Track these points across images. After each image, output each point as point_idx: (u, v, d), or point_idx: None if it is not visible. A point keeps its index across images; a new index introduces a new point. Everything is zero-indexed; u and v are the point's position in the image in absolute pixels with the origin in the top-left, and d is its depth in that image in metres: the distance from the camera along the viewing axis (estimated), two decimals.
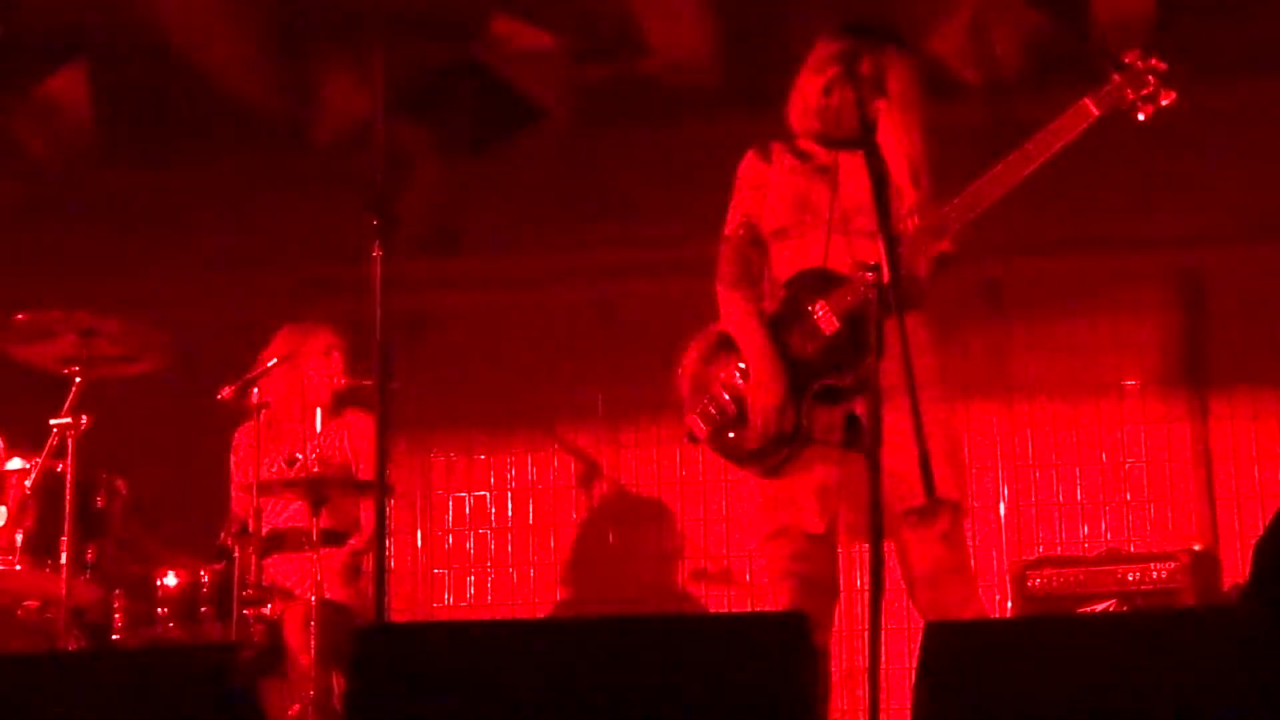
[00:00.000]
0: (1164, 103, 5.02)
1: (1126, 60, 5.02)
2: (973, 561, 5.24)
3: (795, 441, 5.03)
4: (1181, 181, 7.89)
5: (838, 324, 4.98)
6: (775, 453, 5.06)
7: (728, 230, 5.30)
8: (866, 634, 4.32)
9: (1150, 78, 5.00)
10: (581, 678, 3.60)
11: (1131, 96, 5.00)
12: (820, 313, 5.04)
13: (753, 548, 5.33)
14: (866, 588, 4.34)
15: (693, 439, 5.23)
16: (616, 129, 8.34)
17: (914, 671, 3.54)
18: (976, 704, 3.44)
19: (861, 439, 4.77)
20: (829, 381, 5.01)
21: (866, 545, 4.67)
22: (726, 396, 5.14)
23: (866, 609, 4.37)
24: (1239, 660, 3.39)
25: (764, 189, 5.23)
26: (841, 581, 5.19)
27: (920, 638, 3.57)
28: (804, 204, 5.13)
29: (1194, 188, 7.91)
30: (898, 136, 4.99)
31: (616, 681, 3.57)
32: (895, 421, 4.52)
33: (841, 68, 5.06)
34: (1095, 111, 4.95)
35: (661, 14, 7.56)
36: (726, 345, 5.22)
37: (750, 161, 5.31)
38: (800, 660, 3.59)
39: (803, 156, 5.20)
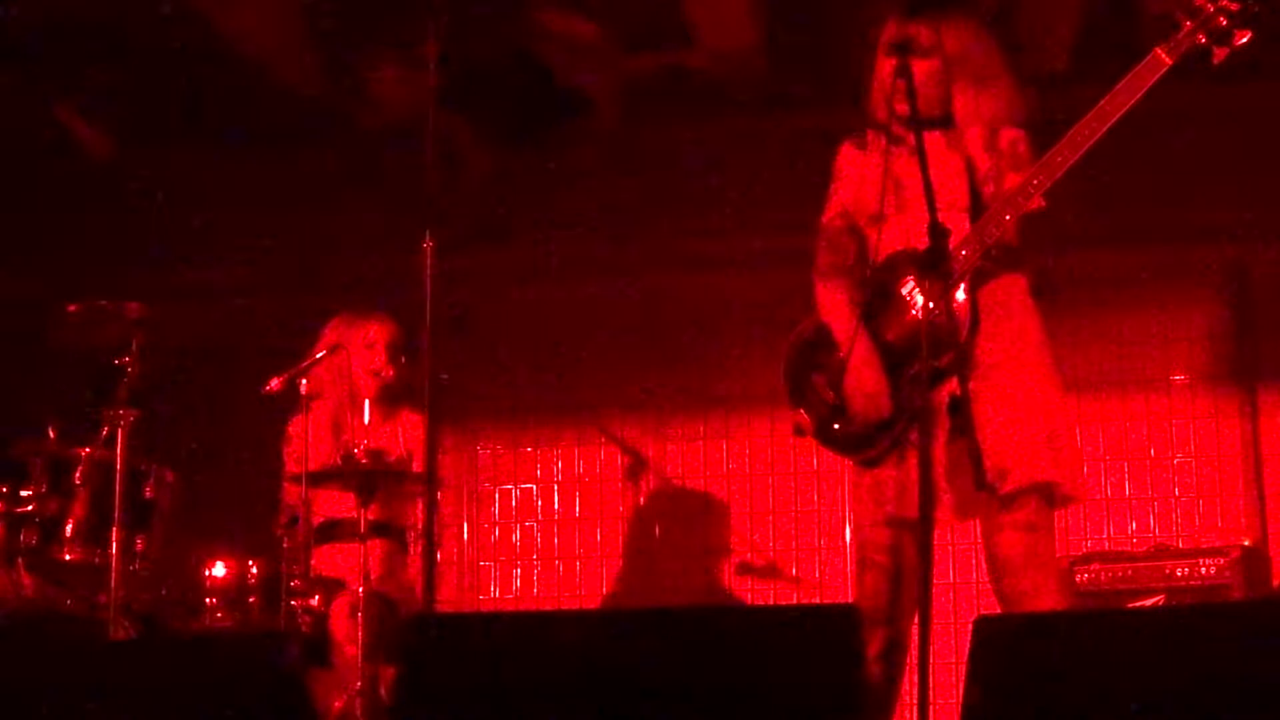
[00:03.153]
0: (1241, 41, 4.83)
1: (1196, 3, 4.86)
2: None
3: (897, 427, 5.00)
4: (1229, 174, 7.85)
5: (929, 304, 4.82)
6: (878, 441, 5.03)
7: (824, 219, 5.30)
8: (916, 628, 4.32)
9: (1222, 18, 4.83)
10: (628, 669, 3.59)
11: (1204, 40, 4.82)
12: (910, 294, 5.01)
13: (853, 536, 5.28)
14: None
15: (799, 432, 5.23)
16: (663, 121, 8.34)
17: (964, 666, 3.53)
18: (1026, 697, 3.43)
19: (967, 419, 4.74)
20: (925, 363, 4.96)
21: (972, 523, 4.68)
22: (827, 387, 5.14)
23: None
24: None
25: (859, 178, 5.21)
26: None
27: (970, 631, 3.57)
28: (897, 186, 5.09)
29: (1241, 181, 7.86)
30: (965, 107, 4.95)
31: (663, 673, 3.57)
32: (991, 401, 4.49)
33: (903, 48, 5.05)
34: (1168, 60, 4.82)
35: (708, 5, 7.54)
36: (825, 337, 5.20)
37: (847, 152, 5.30)
38: (849, 654, 3.58)
39: (896, 140, 5.13)
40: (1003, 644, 3.52)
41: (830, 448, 5.21)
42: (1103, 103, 4.88)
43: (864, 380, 5.00)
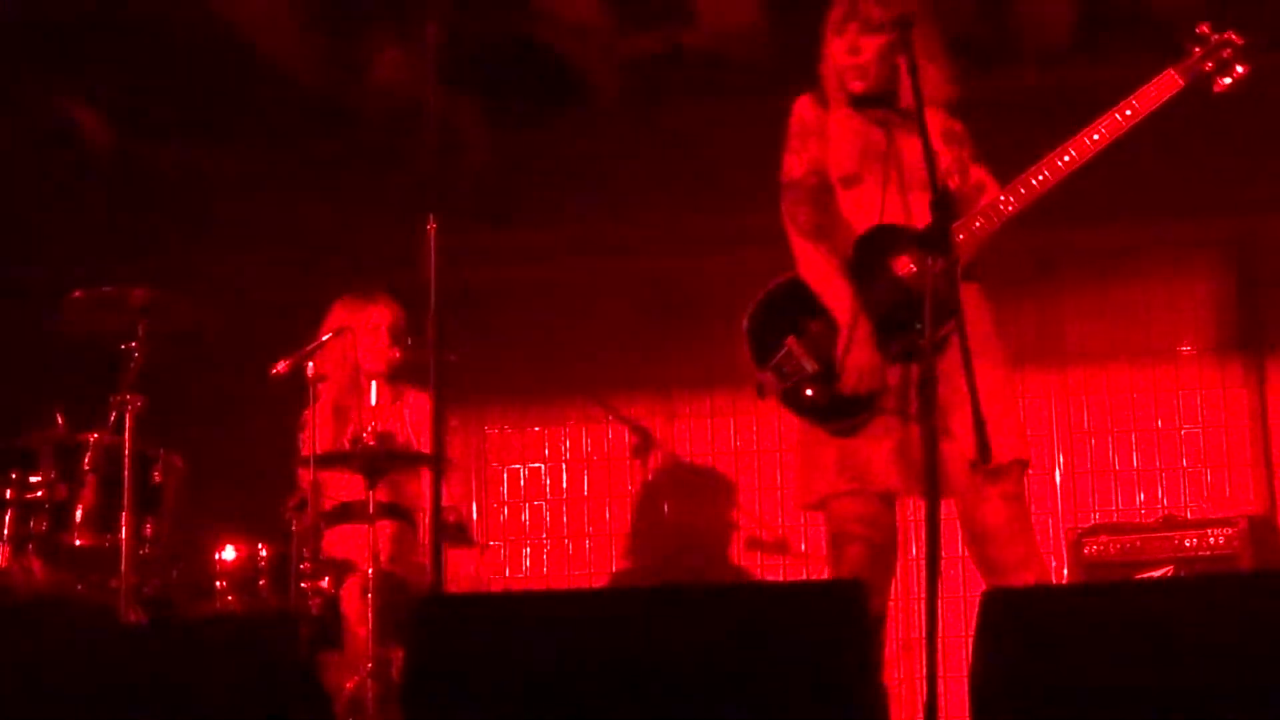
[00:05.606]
0: (1240, 72, 5.07)
1: (1200, 32, 5.07)
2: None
3: (878, 400, 4.99)
4: (1234, 147, 7.83)
5: (923, 283, 4.81)
6: (858, 411, 5.01)
7: (796, 174, 5.18)
8: (923, 603, 4.31)
9: (1226, 51, 5.07)
10: (637, 647, 3.60)
11: (1210, 68, 5.07)
12: (903, 271, 5.00)
13: (810, 509, 5.24)
14: (923, 557, 4.33)
15: (762, 394, 5.15)
16: (665, 100, 8.32)
17: (971, 640, 3.53)
18: (1034, 671, 3.44)
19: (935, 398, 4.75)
20: (909, 340, 4.94)
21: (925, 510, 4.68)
22: (806, 352, 5.09)
23: (923, 578, 4.37)
24: None
25: (825, 135, 5.17)
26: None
27: (977, 605, 3.57)
28: (867, 152, 5.09)
29: (1247, 153, 7.85)
30: (922, 89, 4.93)
31: (673, 651, 3.57)
32: (964, 383, 4.50)
33: (857, 23, 5.07)
34: (1180, 81, 5.02)
35: None
36: (798, 297, 5.13)
37: (807, 106, 5.22)
38: (858, 627, 3.59)
39: (858, 105, 5.15)
40: (1011, 617, 3.52)
41: (796, 412, 5.11)
42: (1114, 111, 4.99)
43: (865, 352, 4.96)
